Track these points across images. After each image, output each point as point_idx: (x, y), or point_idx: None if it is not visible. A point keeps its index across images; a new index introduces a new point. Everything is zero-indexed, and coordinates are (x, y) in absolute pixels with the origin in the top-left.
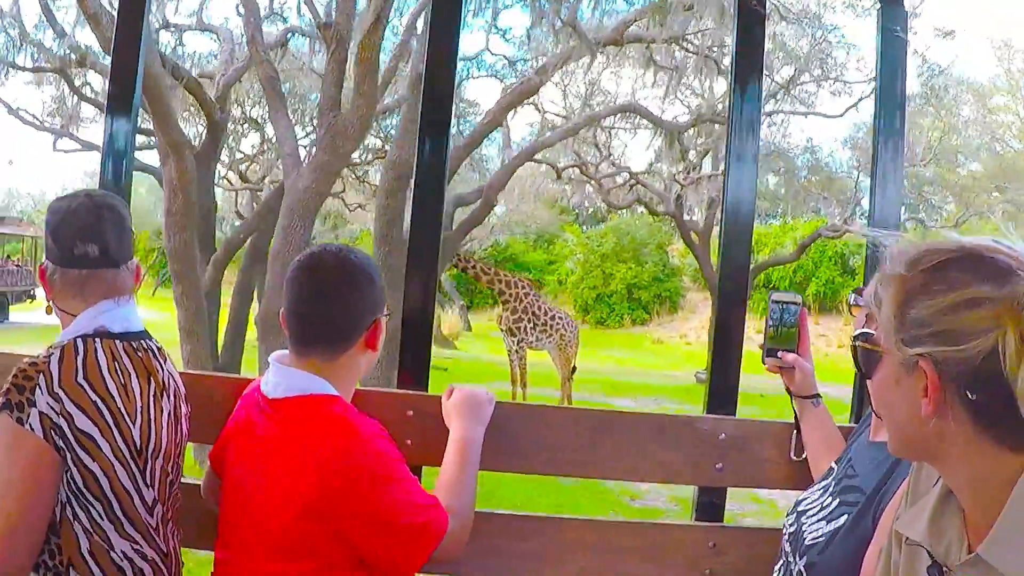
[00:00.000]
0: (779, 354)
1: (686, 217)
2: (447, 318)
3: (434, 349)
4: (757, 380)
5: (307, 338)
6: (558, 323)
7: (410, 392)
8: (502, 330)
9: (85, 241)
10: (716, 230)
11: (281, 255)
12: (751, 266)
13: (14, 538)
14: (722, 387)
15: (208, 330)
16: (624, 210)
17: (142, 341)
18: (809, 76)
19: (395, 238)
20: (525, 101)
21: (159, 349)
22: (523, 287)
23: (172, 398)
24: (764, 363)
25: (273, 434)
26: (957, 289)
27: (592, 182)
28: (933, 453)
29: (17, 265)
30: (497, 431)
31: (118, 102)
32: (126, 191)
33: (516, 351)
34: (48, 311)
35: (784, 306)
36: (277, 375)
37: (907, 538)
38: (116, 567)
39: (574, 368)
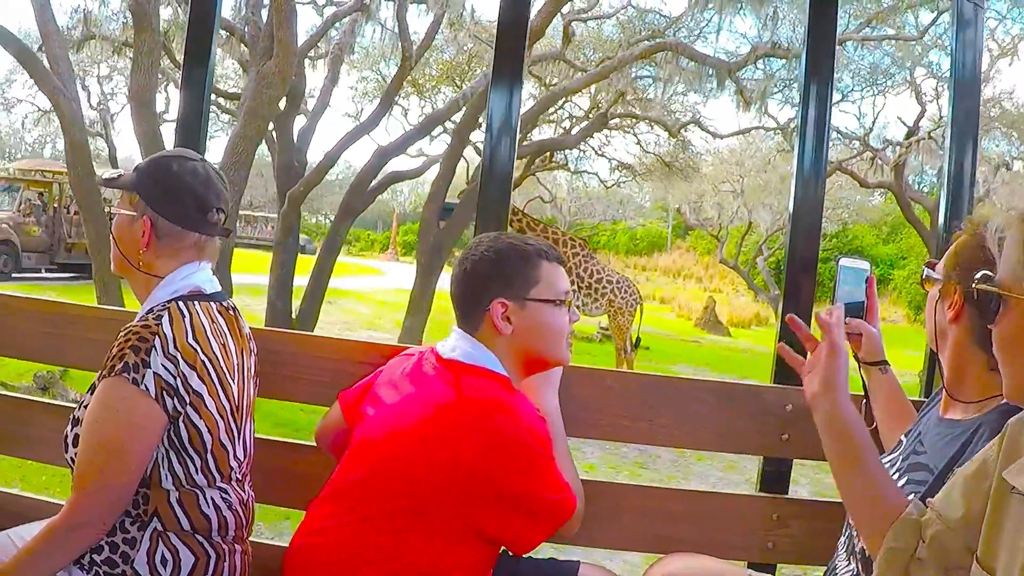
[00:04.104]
0: (847, 320)
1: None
2: (740, 304)
3: (701, 333)
4: None
5: (456, 315)
6: (606, 287)
7: None
8: None
9: (220, 209)
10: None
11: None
12: None
13: (103, 494)
14: None
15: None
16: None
17: (228, 301)
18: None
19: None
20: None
21: (237, 309)
22: (571, 246)
23: (253, 356)
24: None
25: (445, 394)
26: None
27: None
28: None
29: None
30: (559, 396)
31: (193, 72)
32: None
33: None
34: (119, 268)
35: (852, 271)
36: (456, 340)
37: (1013, 487)
38: (203, 515)
39: (638, 340)
